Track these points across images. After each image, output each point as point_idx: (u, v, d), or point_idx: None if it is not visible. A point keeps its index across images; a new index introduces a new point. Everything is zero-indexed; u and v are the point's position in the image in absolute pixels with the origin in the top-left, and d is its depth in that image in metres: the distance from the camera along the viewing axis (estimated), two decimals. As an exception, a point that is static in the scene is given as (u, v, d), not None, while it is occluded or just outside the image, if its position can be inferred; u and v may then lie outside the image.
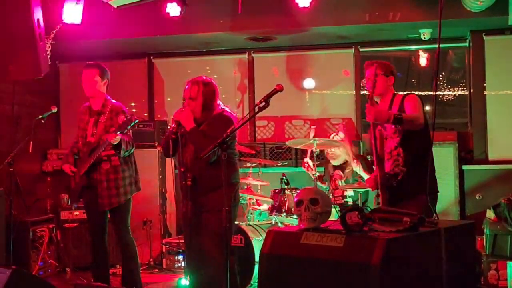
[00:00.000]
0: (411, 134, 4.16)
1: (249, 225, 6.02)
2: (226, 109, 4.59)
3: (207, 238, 4.39)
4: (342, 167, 6.41)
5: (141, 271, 6.98)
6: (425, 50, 7.88)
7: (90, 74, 5.32)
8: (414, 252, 3.23)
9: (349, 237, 3.16)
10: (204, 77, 4.57)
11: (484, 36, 7.37)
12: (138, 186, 5.52)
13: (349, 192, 6.16)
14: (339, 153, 6.37)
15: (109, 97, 5.41)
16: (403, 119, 4.03)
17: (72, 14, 6.54)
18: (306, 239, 3.28)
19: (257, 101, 3.98)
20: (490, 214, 6.16)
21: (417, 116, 4.14)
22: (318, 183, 6.06)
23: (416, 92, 7.86)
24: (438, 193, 4.31)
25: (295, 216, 5.63)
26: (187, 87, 4.48)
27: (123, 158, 5.29)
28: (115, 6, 6.36)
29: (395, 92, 4.45)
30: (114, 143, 5.02)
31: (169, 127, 7.64)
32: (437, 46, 3.89)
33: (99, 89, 5.35)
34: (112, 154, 5.19)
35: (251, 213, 6.49)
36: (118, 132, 4.93)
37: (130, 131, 5.31)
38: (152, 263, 7.19)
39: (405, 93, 4.43)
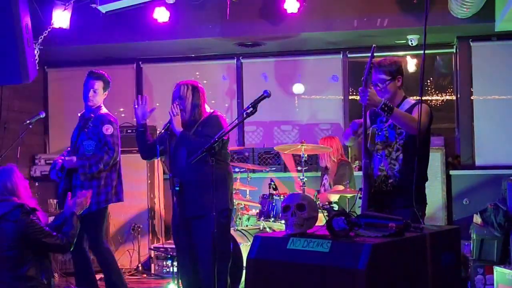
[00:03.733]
0: (413, 142, 3.97)
1: (238, 230, 6.02)
2: (217, 111, 4.69)
3: (202, 243, 4.41)
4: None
5: (128, 276, 7.01)
6: (413, 56, 7.93)
7: (95, 85, 5.29)
8: (400, 257, 3.24)
9: (335, 243, 3.17)
10: (192, 79, 4.66)
11: (471, 42, 7.43)
12: (118, 197, 5.37)
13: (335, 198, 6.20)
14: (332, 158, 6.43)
15: (102, 106, 5.38)
16: (393, 110, 3.88)
17: (61, 19, 6.54)
18: (293, 245, 3.29)
19: (245, 106, 4.00)
20: (477, 219, 6.19)
21: (414, 119, 3.91)
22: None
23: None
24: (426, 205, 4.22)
25: (283, 221, 5.63)
26: (176, 88, 4.56)
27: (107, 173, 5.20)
28: (104, 11, 6.35)
29: (406, 96, 4.26)
30: (67, 167, 5.01)
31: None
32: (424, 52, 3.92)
33: (100, 100, 5.33)
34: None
35: (240, 218, 6.49)
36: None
37: (114, 137, 5.22)
38: (140, 268, 7.18)
39: (418, 99, 4.18)
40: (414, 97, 4.40)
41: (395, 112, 3.91)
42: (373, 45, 3.99)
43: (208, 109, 4.63)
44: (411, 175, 3.94)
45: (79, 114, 5.48)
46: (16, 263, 3.98)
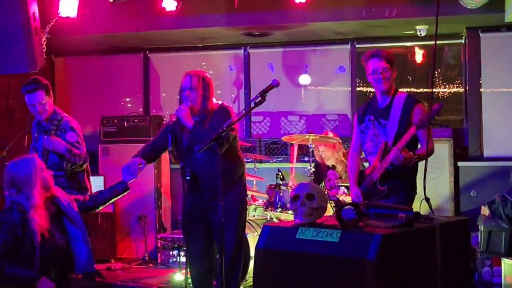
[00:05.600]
0: (400, 137, 4.12)
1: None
2: (226, 103, 4.63)
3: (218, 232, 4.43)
4: (334, 167, 6.44)
5: (135, 266, 7.04)
6: (421, 47, 7.89)
7: (37, 98, 4.90)
8: (409, 248, 3.23)
9: (344, 233, 3.16)
10: (201, 71, 4.62)
11: (480, 33, 7.37)
12: None
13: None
14: (330, 155, 6.40)
15: (57, 110, 5.03)
16: (420, 158, 4.10)
17: (68, 8, 6.52)
18: (302, 234, 3.28)
19: (252, 96, 3.98)
20: (485, 210, 6.18)
21: (432, 148, 4.19)
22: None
23: (412, 89, 7.97)
24: (416, 194, 4.30)
25: (290, 212, 5.63)
26: (187, 78, 4.47)
27: (71, 180, 4.94)
28: (111, 0, 6.34)
29: (396, 89, 4.37)
30: (49, 147, 4.76)
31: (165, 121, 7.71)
32: (433, 42, 3.89)
33: (50, 108, 4.98)
34: (59, 175, 4.83)
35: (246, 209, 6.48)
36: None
37: (82, 144, 4.99)
38: (147, 258, 7.19)
39: (408, 93, 4.33)
40: (415, 90, 4.48)
41: (422, 157, 4.12)
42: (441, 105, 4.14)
43: (214, 100, 4.59)
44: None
45: (34, 123, 5.15)
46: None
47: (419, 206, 3.80)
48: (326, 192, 6.20)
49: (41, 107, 4.94)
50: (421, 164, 4.12)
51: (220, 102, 4.58)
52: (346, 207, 3.30)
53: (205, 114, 4.45)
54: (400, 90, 4.44)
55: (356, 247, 3.06)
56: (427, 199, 3.83)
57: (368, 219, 3.33)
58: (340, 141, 6.37)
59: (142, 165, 4.34)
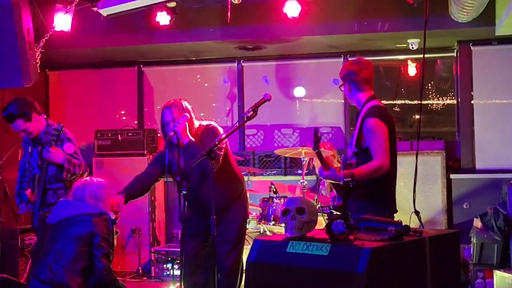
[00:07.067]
0: (363, 152, 3.90)
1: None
2: (211, 123, 4.60)
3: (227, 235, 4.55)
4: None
5: (129, 279, 7.03)
6: (413, 60, 7.94)
7: (17, 127, 4.95)
8: (399, 261, 3.25)
9: (334, 246, 3.18)
10: (177, 99, 4.58)
11: (471, 46, 7.42)
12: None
13: None
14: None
15: (50, 122, 5.05)
16: (355, 176, 3.69)
17: (62, 22, 6.55)
18: (292, 248, 3.30)
19: (246, 109, 4.01)
20: (477, 223, 6.21)
21: (377, 167, 3.77)
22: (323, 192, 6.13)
23: (406, 101, 8.01)
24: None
25: (283, 225, 5.64)
26: (166, 111, 4.48)
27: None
28: (105, 15, 6.37)
29: (370, 96, 4.09)
30: (48, 158, 4.75)
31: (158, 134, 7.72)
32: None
33: (37, 126, 5.01)
34: (58, 187, 4.93)
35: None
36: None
37: (79, 155, 5.02)
38: (140, 271, 7.19)
39: (373, 105, 4.00)
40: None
41: (357, 177, 3.71)
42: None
43: (197, 123, 4.56)
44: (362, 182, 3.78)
45: (25, 138, 5.17)
46: (76, 256, 4.18)
47: (409, 219, 3.81)
48: (319, 204, 6.24)
49: (24, 134, 5.02)
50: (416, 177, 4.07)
51: (204, 124, 4.55)
52: (337, 221, 3.32)
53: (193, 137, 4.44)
54: (376, 98, 4.12)
55: (346, 261, 3.08)
56: (417, 212, 3.85)
57: (358, 232, 3.35)
58: (336, 153, 6.40)
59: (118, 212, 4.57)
